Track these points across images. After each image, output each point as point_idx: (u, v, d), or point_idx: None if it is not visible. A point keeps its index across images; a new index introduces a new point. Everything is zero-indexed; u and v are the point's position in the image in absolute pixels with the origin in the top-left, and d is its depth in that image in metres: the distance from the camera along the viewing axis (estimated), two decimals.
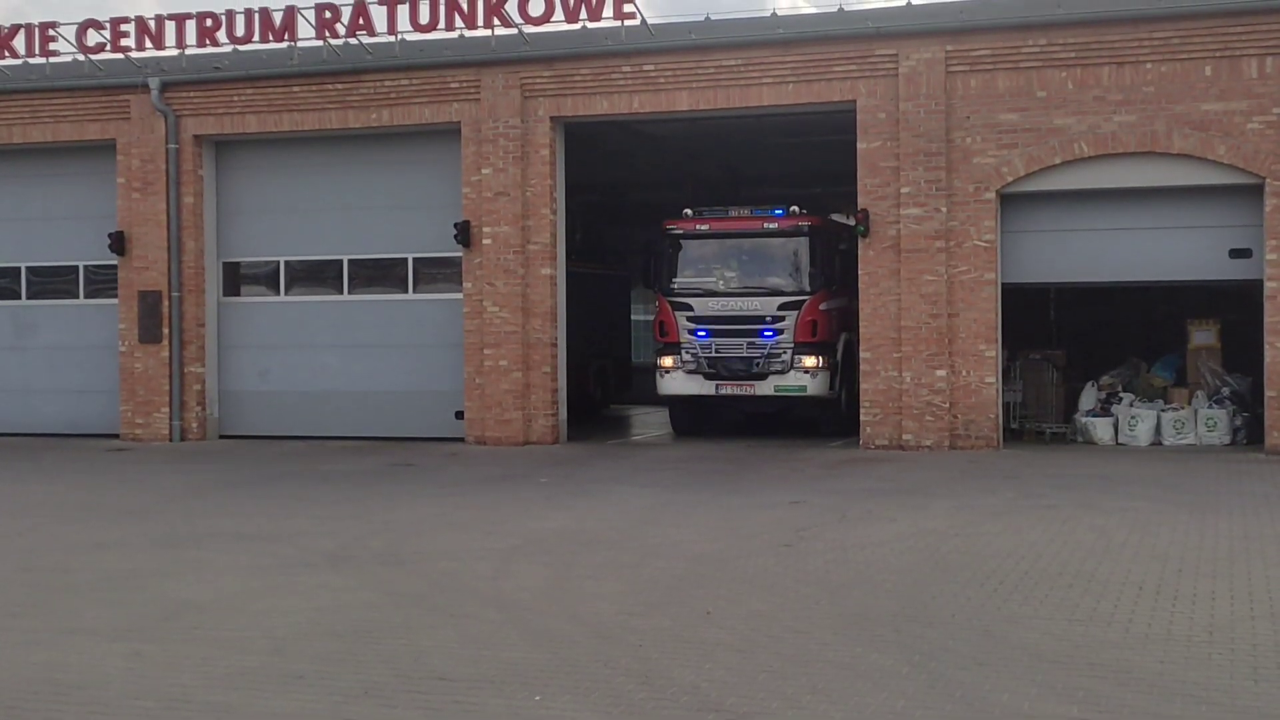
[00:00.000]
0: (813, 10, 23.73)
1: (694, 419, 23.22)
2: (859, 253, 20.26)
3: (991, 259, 19.65)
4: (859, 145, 20.13)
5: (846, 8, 20.66)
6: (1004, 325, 19.99)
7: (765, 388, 21.42)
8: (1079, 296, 24.25)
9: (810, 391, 21.33)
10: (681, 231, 22.04)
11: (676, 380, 21.93)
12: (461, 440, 21.71)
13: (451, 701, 6.96)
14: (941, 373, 19.69)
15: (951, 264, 19.68)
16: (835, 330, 21.78)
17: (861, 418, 20.24)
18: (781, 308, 21.27)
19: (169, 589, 10.14)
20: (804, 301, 21.26)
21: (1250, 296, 19.62)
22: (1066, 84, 19.24)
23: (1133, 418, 20.59)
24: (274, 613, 9.24)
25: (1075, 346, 23.36)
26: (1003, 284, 19.83)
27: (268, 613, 9.24)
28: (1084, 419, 21.01)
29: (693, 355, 21.64)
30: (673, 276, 22.03)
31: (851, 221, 21.81)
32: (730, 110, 21.04)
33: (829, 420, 22.29)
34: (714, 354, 21.53)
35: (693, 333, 21.67)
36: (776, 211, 21.69)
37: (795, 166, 27.15)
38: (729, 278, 22.07)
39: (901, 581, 9.99)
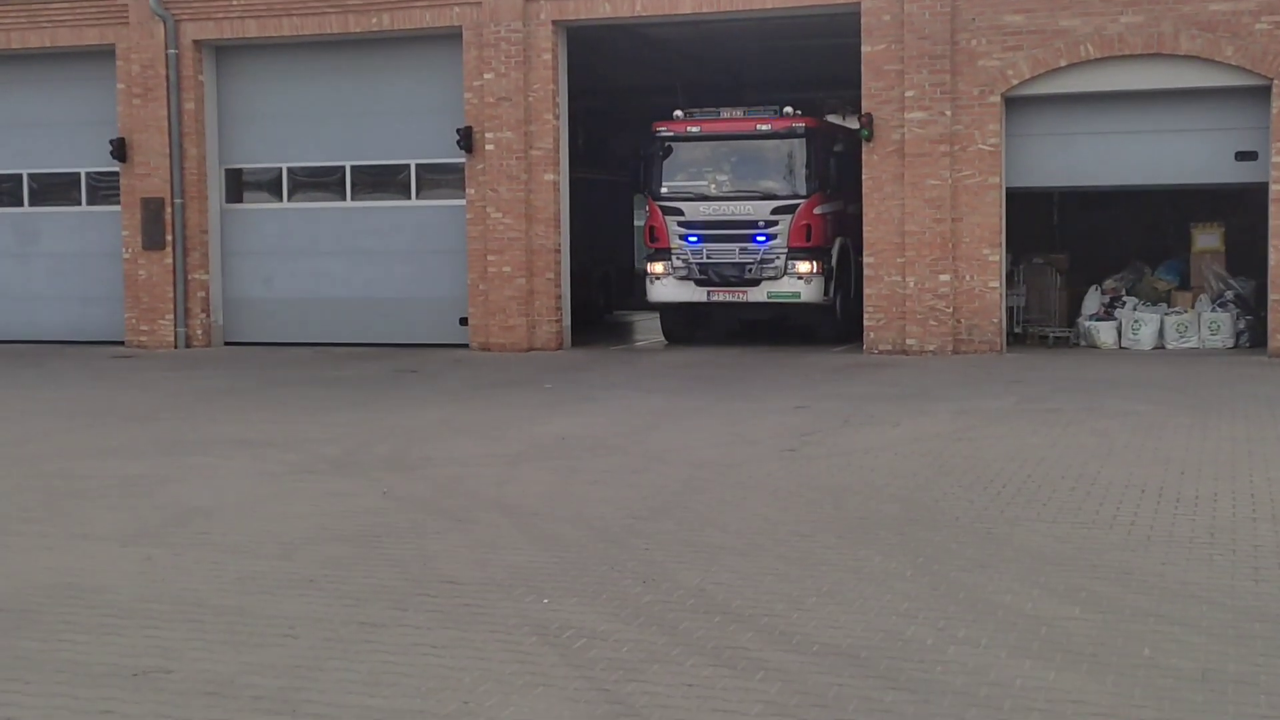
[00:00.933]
0: None
1: (686, 327, 22.80)
2: (863, 157, 20.11)
3: (996, 163, 19.52)
4: (863, 48, 19.93)
5: None
6: (1008, 230, 19.92)
7: (758, 294, 20.97)
8: (1083, 200, 24.13)
9: (804, 298, 20.89)
10: (671, 134, 21.44)
11: (667, 287, 21.42)
12: (466, 346, 21.73)
13: (461, 604, 7.02)
14: (945, 277, 19.65)
15: (955, 168, 19.57)
16: (830, 235, 21.36)
17: (865, 323, 20.24)
18: (775, 212, 20.82)
19: (177, 494, 10.19)
20: (798, 205, 20.78)
21: (1255, 199, 19.56)
22: None
23: (1136, 321, 20.59)
24: (282, 518, 9.29)
25: (1079, 251, 23.27)
26: (1007, 188, 19.73)
27: (276, 518, 9.30)
28: (1087, 323, 21.02)
29: (684, 261, 21.14)
30: (663, 180, 21.49)
31: (847, 122, 21.66)
32: (734, 13, 20.82)
33: (824, 326, 21.99)
34: (705, 259, 21.02)
35: (684, 238, 21.19)
36: (769, 112, 21.22)
37: (799, 71, 26.85)
38: (721, 181, 21.60)
39: (905, 485, 10.03)
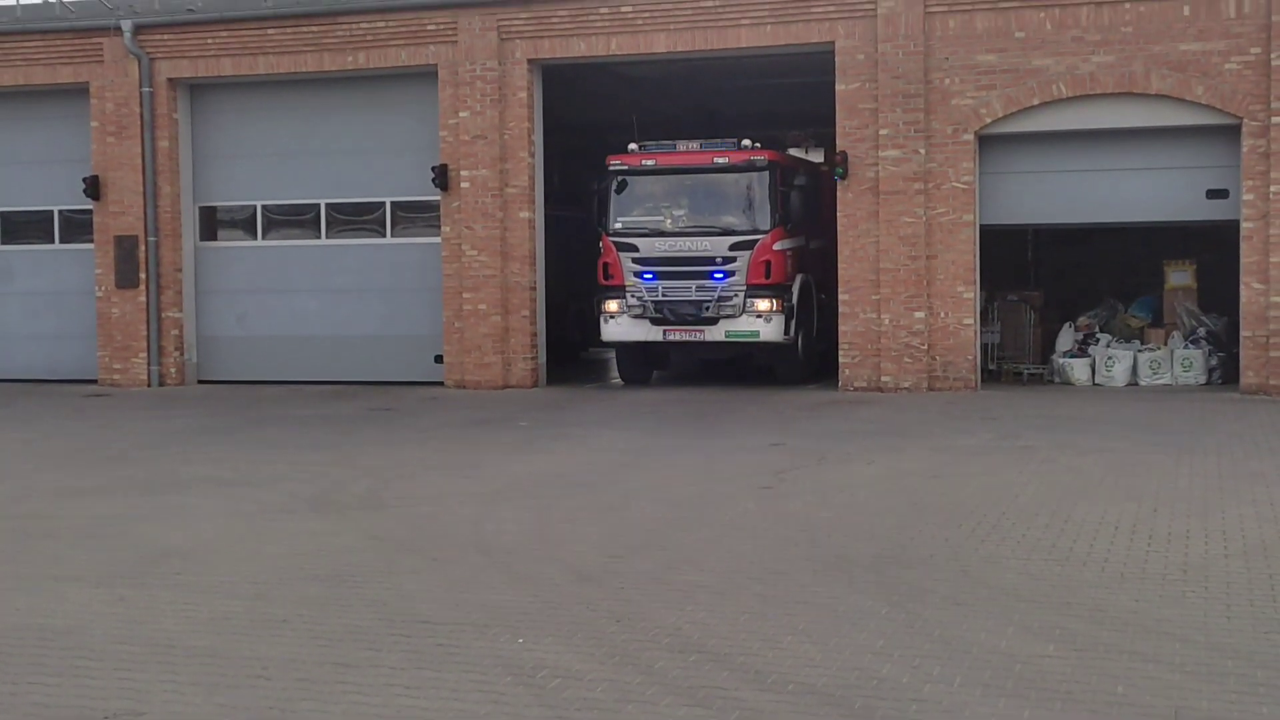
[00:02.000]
0: None
1: (642, 367, 22.12)
2: (838, 195, 20.19)
3: (970, 201, 19.65)
4: (838, 87, 20.06)
5: None
6: (982, 267, 20.02)
7: (716, 333, 20.23)
8: (1056, 238, 24.32)
9: (764, 337, 20.16)
10: (626, 167, 20.74)
11: (621, 325, 20.70)
12: (441, 384, 21.70)
13: (435, 644, 7.00)
14: (920, 314, 19.73)
15: (930, 206, 19.67)
16: (791, 272, 20.58)
17: (840, 359, 20.29)
18: (733, 248, 20.15)
19: (151, 535, 10.15)
20: (757, 241, 20.08)
21: (1226, 237, 19.68)
22: (1045, 24, 19.17)
23: (1109, 358, 20.71)
24: (256, 558, 9.26)
25: (1053, 288, 23.45)
26: (981, 225, 19.84)
27: (250, 558, 9.27)
28: (1061, 360, 21.12)
29: (638, 299, 20.36)
30: (617, 215, 20.80)
31: (809, 155, 21.65)
32: (708, 52, 20.89)
33: (785, 366, 21.12)
34: (661, 297, 20.24)
35: (638, 275, 20.43)
36: (727, 145, 20.57)
37: (774, 109, 26.99)
38: (677, 216, 20.75)
39: (880, 523, 10.06)
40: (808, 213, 20.70)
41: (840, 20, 19.95)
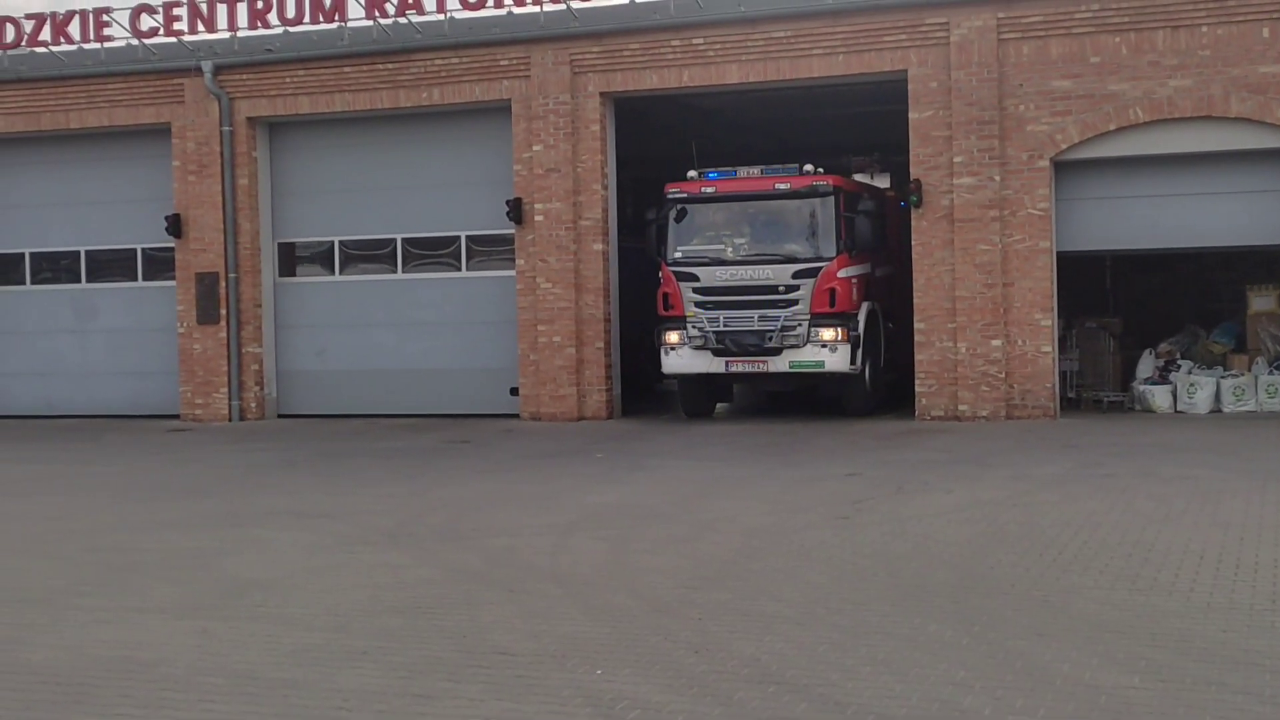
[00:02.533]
0: None
1: (704, 400, 21.56)
2: (912, 223, 20.10)
3: (1046, 227, 19.48)
4: (911, 115, 20.00)
5: None
6: (1059, 294, 19.84)
7: (779, 364, 19.64)
8: (1135, 264, 24.04)
9: (829, 367, 19.51)
10: (685, 195, 20.25)
11: (683, 358, 20.14)
12: (516, 416, 21.78)
13: (514, 676, 7.01)
14: (997, 342, 19.57)
15: (1006, 233, 19.54)
16: (857, 299, 19.96)
17: (916, 389, 20.16)
18: (796, 276, 19.53)
19: (233, 567, 10.25)
20: (821, 268, 19.48)
21: None
22: (1121, 49, 19.02)
23: (1191, 385, 20.39)
24: (336, 590, 9.32)
25: (1132, 314, 23.16)
26: (1058, 252, 19.66)
27: (330, 590, 9.33)
28: (1141, 387, 20.83)
29: (699, 330, 19.84)
30: (677, 244, 20.31)
31: (875, 180, 21.24)
32: (780, 82, 20.94)
33: (852, 398, 20.45)
34: (722, 328, 19.70)
35: (699, 305, 19.92)
36: (789, 170, 20.02)
37: (847, 138, 26.91)
38: (738, 244, 20.23)
39: (959, 552, 9.95)
40: (873, 239, 20.17)
41: (913, 49, 19.92)
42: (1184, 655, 7.04)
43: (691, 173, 20.49)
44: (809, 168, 19.78)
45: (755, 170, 20.26)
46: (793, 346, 19.47)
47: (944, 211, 19.79)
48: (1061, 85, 19.25)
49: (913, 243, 20.13)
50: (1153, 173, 19.47)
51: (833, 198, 19.64)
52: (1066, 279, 20.20)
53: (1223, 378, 20.47)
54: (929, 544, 10.33)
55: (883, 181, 22.10)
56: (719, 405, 22.26)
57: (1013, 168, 19.49)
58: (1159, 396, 20.48)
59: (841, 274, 19.59)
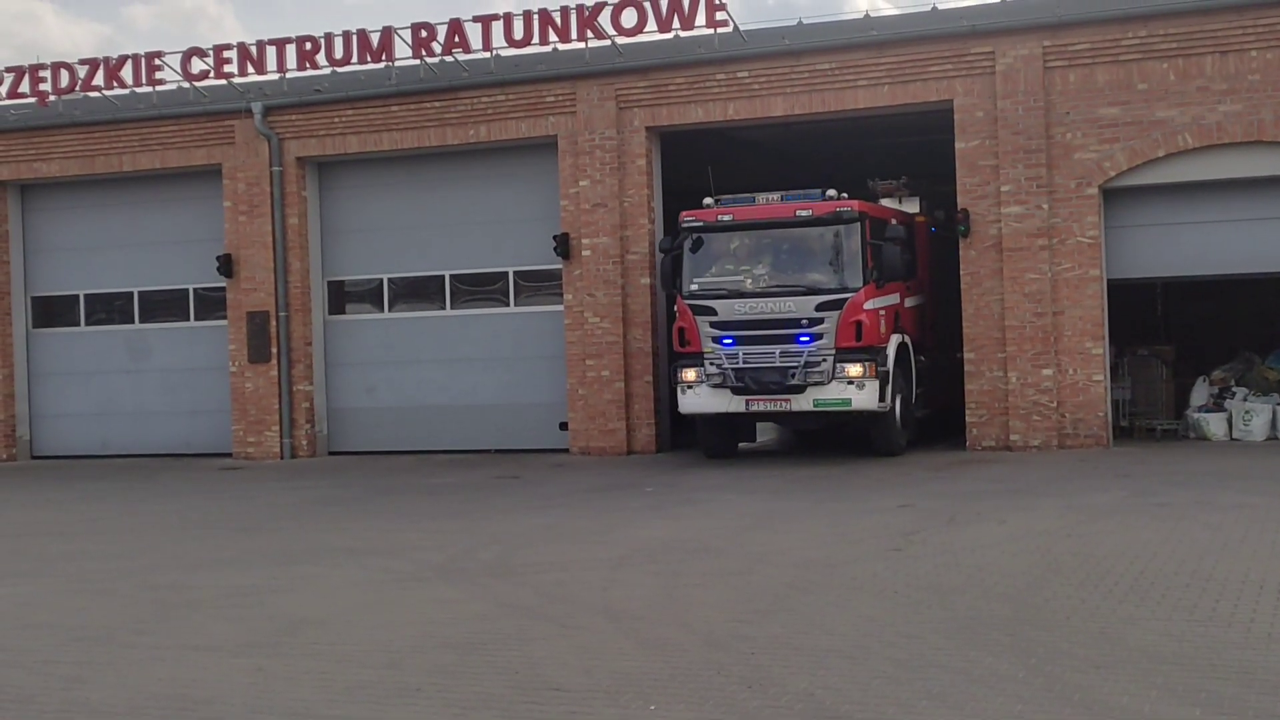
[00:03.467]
0: (906, 11, 23.45)
1: (726, 440, 20.21)
2: (960, 252, 20.02)
3: (1095, 255, 19.38)
4: (957, 145, 19.97)
5: (940, 6, 20.60)
6: (1110, 322, 19.70)
7: (803, 402, 18.26)
8: (1187, 290, 23.83)
9: (856, 405, 18.17)
10: (701, 224, 18.97)
11: (700, 396, 18.74)
12: (566, 451, 21.81)
13: (567, 712, 7.00)
14: (1048, 371, 19.45)
15: (1055, 261, 19.45)
16: (885, 332, 18.74)
17: (967, 419, 20.06)
18: (820, 308, 18.18)
19: (286, 604, 10.30)
20: (846, 300, 18.14)
21: None
22: (1168, 75, 18.94)
23: (1247, 412, 20.19)
24: (389, 626, 9.35)
25: (1185, 341, 22.95)
26: (1108, 280, 19.56)
27: (383, 626, 9.35)
28: (1196, 414, 20.65)
29: (718, 367, 18.47)
30: (693, 276, 19.03)
31: (903, 205, 20.51)
32: (825, 114, 20.98)
33: (880, 437, 19.17)
34: (742, 364, 18.35)
35: (717, 340, 18.55)
36: (811, 196, 18.86)
37: (892, 168, 26.86)
38: (758, 275, 18.81)
39: (1014, 584, 9.87)
40: (902, 267, 18.99)
41: (959, 79, 19.91)
42: (1246, 687, 6.94)
43: (708, 200, 19.49)
44: (831, 193, 18.75)
45: (775, 196, 19.11)
46: (817, 384, 18.13)
47: (992, 241, 19.72)
48: (1109, 112, 19.18)
49: (961, 272, 20.05)
50: (1203, 198, 19.34)
51: (858, 224, 18.44)
52: (1117, 306, 20.07)
53: (1279, 405, 20.24)
54: (983, 575, 10.25)
55: (911, 206, 20.97)
56: (742, 444, 21.05)
57: (1061, 196, 19.42)
58: (1214, 424, 20.29)
59: (869, 305, 18.36)
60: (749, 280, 18.81)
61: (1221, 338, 23.30)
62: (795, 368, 18.08)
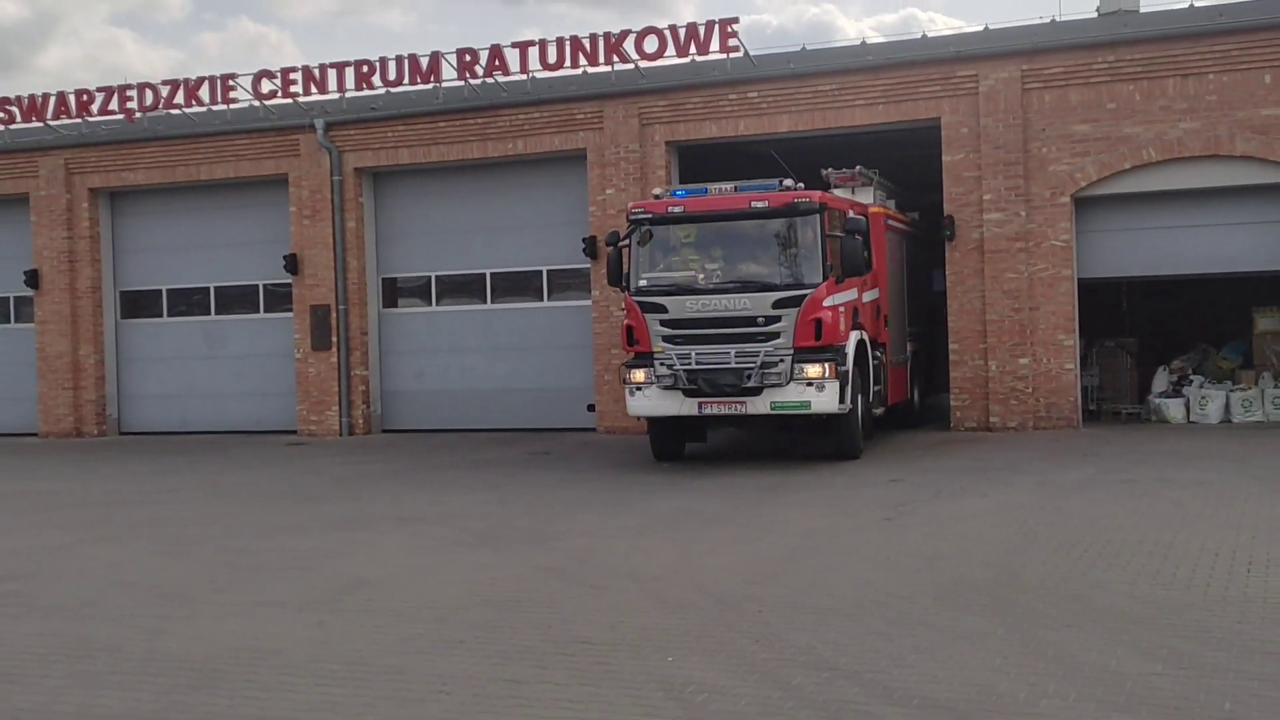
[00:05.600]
0: (898, 38, 23.34)
1: (677, 442, 17.16)
2: (946, 254, 19.93)
3: (1067, 257, 19.29)
4: (944, 158, 19.89)
5: (929, 34, 20.54)
6: (1080, 316, 19.60)
7: (760, 405, 15.47)
8: (1149, 288, 23.68)
9: (816, 408, 15.39)
10: (650, 215, 16.08)
11: (650, 399, 15.86)
12: (593, 430, 21.80)
13: (595, 663, 7.00)
14: (1024, 361, 19.38)
15: (1031, 262, 19.36)
16: (845, 330, 15.94)
17: (951, 403, 19.99)
18: (777, 305, 15.37)
19: (344, 566, 10.33)
20: (805, 296, 15.34)
21: None
22: (1134, 95, 18.83)
23: (1203, 398, 20.08)
24: (436, 586, 9.37)
25: (1147, 334, 22.83)
26: (1078, 279, 19.46)
27: (430, 586, 9.37)
28: (1157, 400, 20.54)
29: (669, 368, 15.62)
30: (642, 271, 16.15)
31: (858, 195, 18.39)
32: (826, 130, 20.88)
33: (839, 439, 16.31)
34: (695, 365, 15.53)
35: (668, 340, 15.73)
36: (767, 186, 16.09)
37: (884, 179, 26.68)
38: (710, 270, 15.99)
39: (994, 551, 9.84)
40: (864, 262, 16.26)
41: (946, 98, 19.81)
42: (1203, 645, 6.90)
43: (657, 190, 17.21)
44: (788, 182, 16.06)
45: (728, 186, 16.25)
46: (774, 385, 15.35)
47: (974, 244, 19.64)
48: (1080, 129, 19.07)
49: (946, 272, 19.98)
50: (1165, 207, 19.22)
51: (816, 216, 15.57)
52: (1087, 303, 19.96)
53: (1231, 391, 20.13)
54: (966, 544, 10.23)
55: (865, 196, 18.55)
56: (690, 444, 17.73)
57: (1037, 204, 19.33)
58: (1173, 409, 20.18)
59: (828, 302, 15.55)
60: (701, 275, 16.04)
61: (1180, 331, 23.16)
62: (751, 369, 15.34)
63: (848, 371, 15.65)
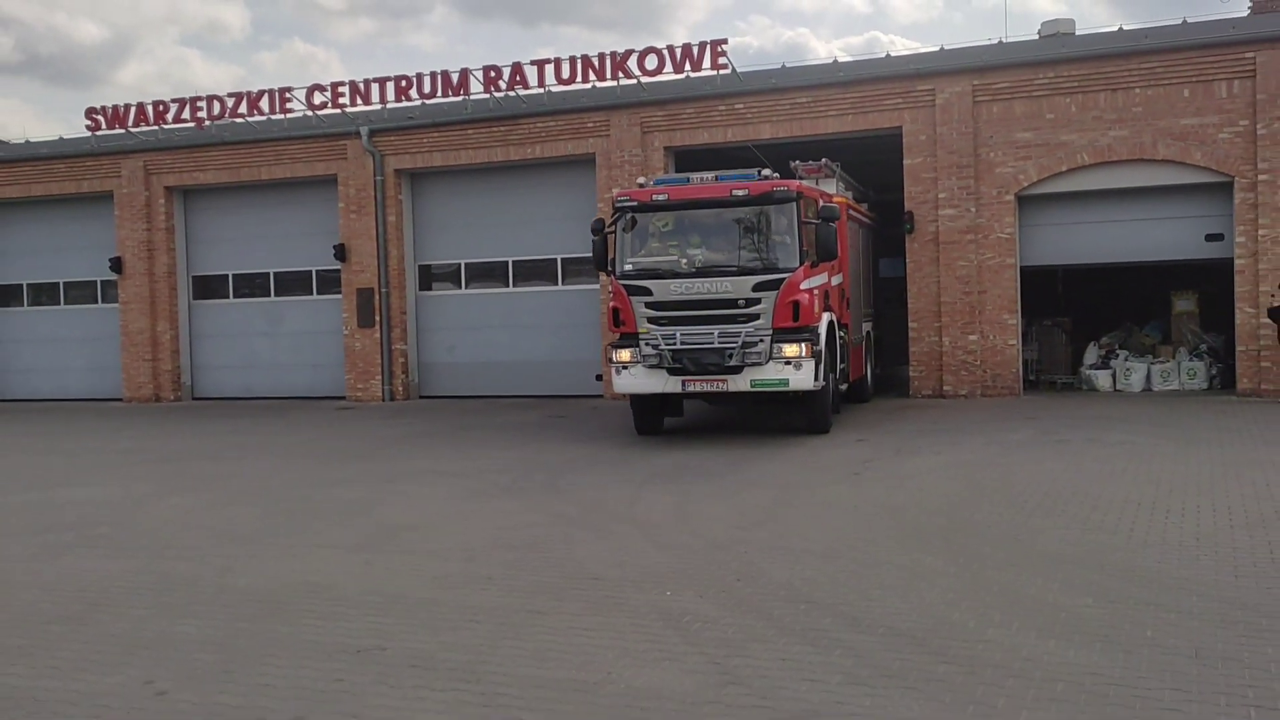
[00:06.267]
0: (865, 58, 23.20)
1: (657, 417, 15.98)
2: (906, 245, 19.86)
3: (1012, 247, 19.23)
4: (905, 161, 19.79)
5: (892, 54, 20.40)
6: (1022, 298, 19.56)
7: (740, 383, 14.41)
8: (1082, 275, 23.62)
9: (794, 386, 14.34)
10: (636, 203, 14.97)
11: (636, 377, 14.79)
12: (600, 397, 21.78)
13: (604, 596, 7.04)
14: (973, 337, 19.35)
15: (980, 252, 19.31)
16: (818, 312, 14.96)
17: (910, 374, 19.96)
18: (757, 288, 14.30)
19: (387, 513, 10.36)
20: (783, 280, 14.27)
21: (1222, 272, 19.00)
22: (1070, 108, 18.73)
23: (1127, 369, 20.08)
24: (466, 531, 9.40)
25: (1080, 314, 22.79)
26: (1021, 266, 19.40)
27: (461, 531, 9.40)
28: (1088, 371, 20.54)
29: (654, 348, 14.55)
30: (628, 256, 15.06)
31: (821, 185, 17.29)
32: (803, 137, 20.73)
33: (812, 416, 15.23)
34: (680, 345, 14.46)
35: (653, 321, 14.64)
36: (747, 176, 15.15)
37: (844, 173, 26.54)
38: (693, 255, 14.77)
39: (947, 502, 9.87)
40: (836, 247, 15.05)
41: (907, 109, 19.71)
42: (1127, 582, 6.93)
43: (641, 179, 16.18)
44: (767, 172, 15.12)
45: (709, 176, 15.34)
46: (755, 364, 14.31)
47: (931, 236, 19.58)
48: (1023, 136, 18.99)
49: (906, 261, 19.91)
50: (1096, 204, 19.14)
51: (794, 204, 14.55)
52: (1028, 287, 19.91)
53: (1152, 364, 20.12)
54: (923, 495, 10.25)
55: (829, 186, 17.68)
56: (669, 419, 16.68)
57: (985, 201, 19.26)
58: (1101, 379, 20.18)
59: (804, 286, 14.54)
60: (684, 260, 14.79)
61: (1108, 312, 23.13)
62: (733, 348, 14.30)
63: (821, 351, 14.63)
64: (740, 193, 14.62)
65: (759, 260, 14.57)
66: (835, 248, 14.93)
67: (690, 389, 14.71)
